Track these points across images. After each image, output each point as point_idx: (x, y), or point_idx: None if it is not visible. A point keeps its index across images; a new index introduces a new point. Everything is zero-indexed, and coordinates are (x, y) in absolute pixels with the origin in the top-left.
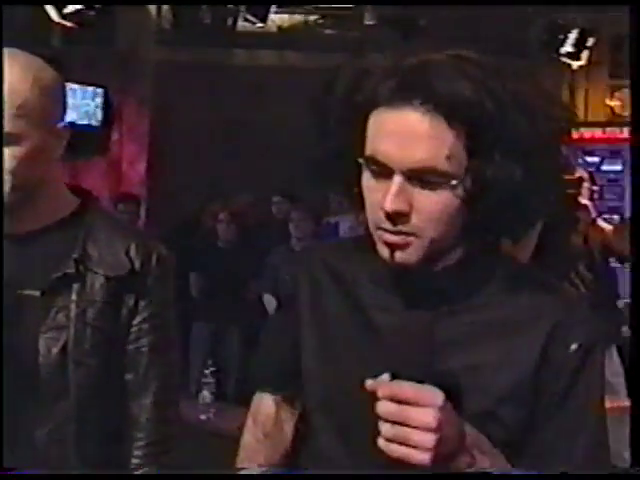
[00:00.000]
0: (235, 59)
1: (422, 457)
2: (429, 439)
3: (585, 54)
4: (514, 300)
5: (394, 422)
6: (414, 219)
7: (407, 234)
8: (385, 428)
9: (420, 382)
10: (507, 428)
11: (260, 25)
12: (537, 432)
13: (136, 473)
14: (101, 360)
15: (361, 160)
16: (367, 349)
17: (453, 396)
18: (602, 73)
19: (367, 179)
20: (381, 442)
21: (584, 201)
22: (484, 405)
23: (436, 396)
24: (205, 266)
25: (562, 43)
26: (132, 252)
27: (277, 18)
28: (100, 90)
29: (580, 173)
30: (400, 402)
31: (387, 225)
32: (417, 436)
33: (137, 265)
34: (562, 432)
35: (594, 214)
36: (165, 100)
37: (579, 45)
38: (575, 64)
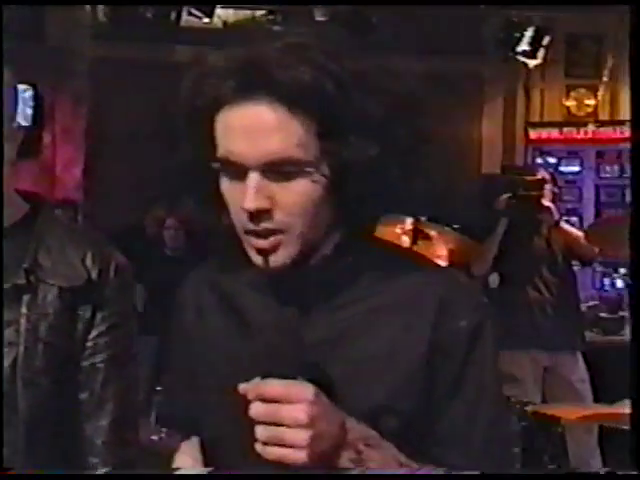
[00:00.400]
0: (178, 56)
1: (298, 456)
2: (302, 436)
3: (541, 53)
4: (393, 286)
5: (267, 423)
6: (278, 214)
7: (274, 232)
8: (259, 431)
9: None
10: (402, 420)
11: (206, 21)
12: (434, 420)
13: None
14: (53, 379)
15: (215, 165)
16: (250, 360)
17: (329, 390)
18: (558, 72)
19: (225, 183)
20: (258, 447)
21: (547, 203)
22: (375, 399)
23: (306, 390)
24: (151, 276)
25: (518, 41)
26: (88, 261)
27: (223, 13)
28: (29, 87)
29: (542, 174)
30: (270, 401)
31: (252, 226)
32: (290, 434)
33: (94, 275)
34: (459, 418)
35: (557, 216)
36: (103, 99)
37: (535, 43)
38: (531, 63)
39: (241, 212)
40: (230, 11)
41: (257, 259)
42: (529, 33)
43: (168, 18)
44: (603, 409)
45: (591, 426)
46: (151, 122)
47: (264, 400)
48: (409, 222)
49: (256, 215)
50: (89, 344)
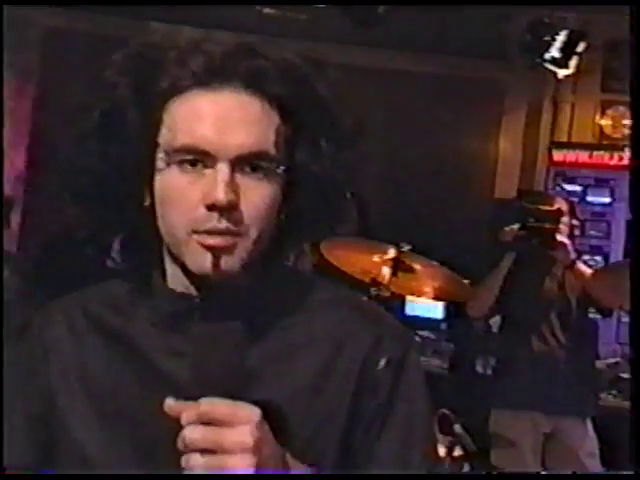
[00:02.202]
0: (150, 35)
1: None
2: (247, 462)
3: (574, 61)
4: (317, 319)
5: (203, 450)
6: (240, 214)
7: (232, 233)
8: (193, 459)
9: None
10: (332, 455)
11: None
12: (366, 455)
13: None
14: None
15: (161, 155)
16: (156, 399)
17: (271, 419)
18: (593, 85)
19: (173, 177)
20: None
21: (562, 238)
22: (303, 434)
23: (252, 412)
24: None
25: (547, 47)
26: None
27: None
28: None
29: (559, 204)
30: (209, 424)
31: (212, 224)
32: (233, 461)
33: None
34: (391, 452)
35: (573, 255)
36: (55, 77)
37: (567, 50)
38: (562, 72)
39: (194, 208)
40: None
41: (204, 259)
42: (561, 37)
43: None
44: None
45: None
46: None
47: (203, 422)
48: (391, 251)
49: (225, 209)
50: None
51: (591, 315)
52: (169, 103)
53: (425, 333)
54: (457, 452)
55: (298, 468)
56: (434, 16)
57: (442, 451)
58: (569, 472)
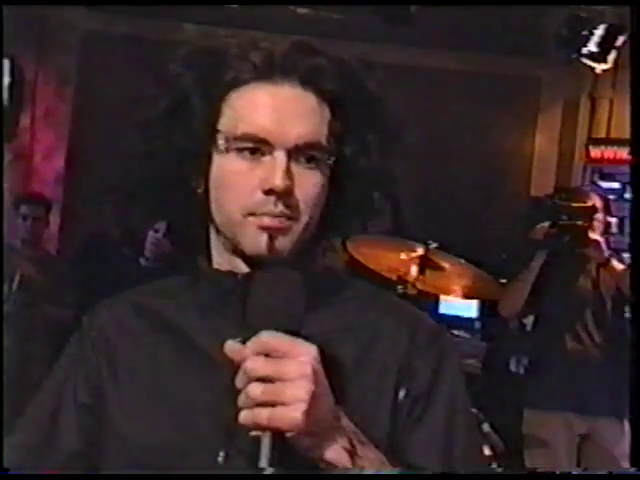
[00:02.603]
0: (183, 35)
1: (293, 414)
2: (304, 390)
3: (612, 55)
4: (354, 312)
5: (263, 380)
6: (295, 200)
7: (288, 217)
8: (252, 388)
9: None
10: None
11: None
12: (402, 439)
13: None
14: None
15: (221, 142)
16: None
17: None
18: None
19: (232, 162)
20: (246, 413)
21: (595, 236)
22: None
23: (310, 347)
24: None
25: (585, 41)
26: None
27: None
28: (6, 61)
29: (593, 200)
30: (271, 356)
31: (269, 207)
32: (291, 389)
33: None
34: (432, 438)
35: (607, 252)
36: (93, 80)
37: (606, 44)
38: (600, 67)
39: (252, 192)
40: None
41: (260, 240)
42: (599, 31)
43: None
44: None
45: None
46: (141, 109)
47: (264, 353)
48: (419, 249)
49: (282, 195)
50: None
51: (627, 315)
52: (230, 94)
53: (459, 332)
54: (486, 451)
55: (346, 420)
56: (469, 13)
57: None
58: (605, 472)
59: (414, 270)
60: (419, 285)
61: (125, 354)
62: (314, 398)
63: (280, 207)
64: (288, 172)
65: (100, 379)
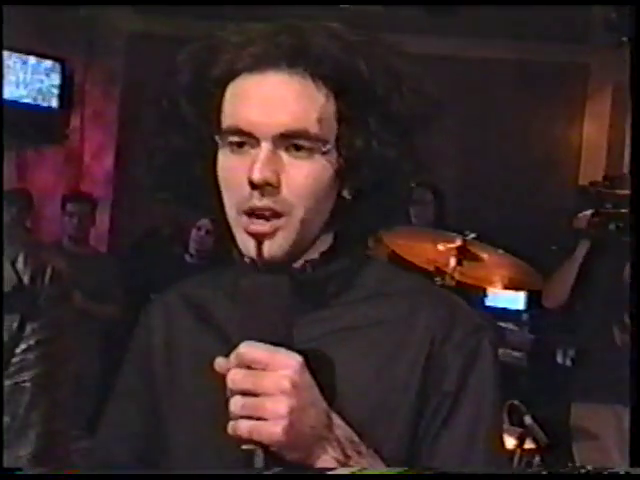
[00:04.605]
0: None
1: (273, 430)
2: (282, 405)
3: None
4: (385, 304)
5: (244, 393)
6: (283, 192)
7: (275, 214)
8: (234, 402)
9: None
10: (395, 440)
11: None
12: (425, 443)
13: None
14: None
15: (217, 137)
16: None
17: (318, 370)
18: None
19: (226, 158)
20: (230, 425)
21: None
22: (358, 417)
23: (292, 358)
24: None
25: (635, 24)
26: (20, 264)
27: None
28: (57, 64)
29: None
30: (251, 368)
31: (254, 201)
32: (270, 403)
33: (26, 279)
34: (454, 443)
35: None
36: (140, 81)
37: None
38: None
39: (242, 187)
40: None
41: (250, 246)
42: None
43: None
44: None
45: None
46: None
47: (244, 366)
48: (457, 240)
49: (261, 188)
50: (15, 359)
51: None
52: (227, 89)
53: (506, 325)
54: (528, 444)
55: (341, 428)
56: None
57: (512, 443)
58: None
59: (452, 261)
60: (457, 276)
61: (174, 344)
62: (295, 412)
63: (265, 201)
64: (273, 163)
65: (154, 368)
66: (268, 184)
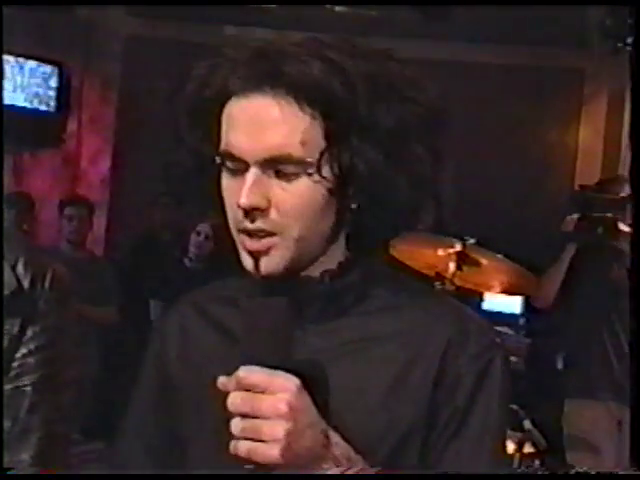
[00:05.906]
0: (224, 37)
1: (270, 452)
2: (279, 429)
3: None
4: (398, 317)
5: (244, 415)
6: (273, 215)
7: (268, 234)
8: (234, 423)
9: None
10: (394, 452)
11: None
12: (431, 457)
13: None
14: None
15: (217, 159)
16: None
17: (315, 388)
18: None
19: (225, 179)
20: (232, 444)
21: (625, 228)
22: (366, 431)
23: (289, 381)
24: (168, 291)
25: (630, 30)
26: (20, 268)
27: None
28: (55, 68)
29: (626, 192)
30: (250, 390)
31: (246, 224)
32: (267, 427)
33: (26, 284)
34: (459, 457)
35: None
36: (137, 84)
37: None
38: None
39: (237, 209)
40: None
41: (248, 262)
42: None
43: None
44: None
45: None
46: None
47: (244, 389)
48: (456, 245)
49: (250, 213)
50: (15, 364)
51: None
52: (224, 110)
53: (502, 329)
54: (527, 449)
55: (339, 446)
56: (508, 6)
57: (511, 448)
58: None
59: (452, 266)
60: (457, 281)
61: (189, 350)
62: (292, 435)
63: (257, 224)
64: (262, 187)
65: (170, 373)
66: (256, 209)
